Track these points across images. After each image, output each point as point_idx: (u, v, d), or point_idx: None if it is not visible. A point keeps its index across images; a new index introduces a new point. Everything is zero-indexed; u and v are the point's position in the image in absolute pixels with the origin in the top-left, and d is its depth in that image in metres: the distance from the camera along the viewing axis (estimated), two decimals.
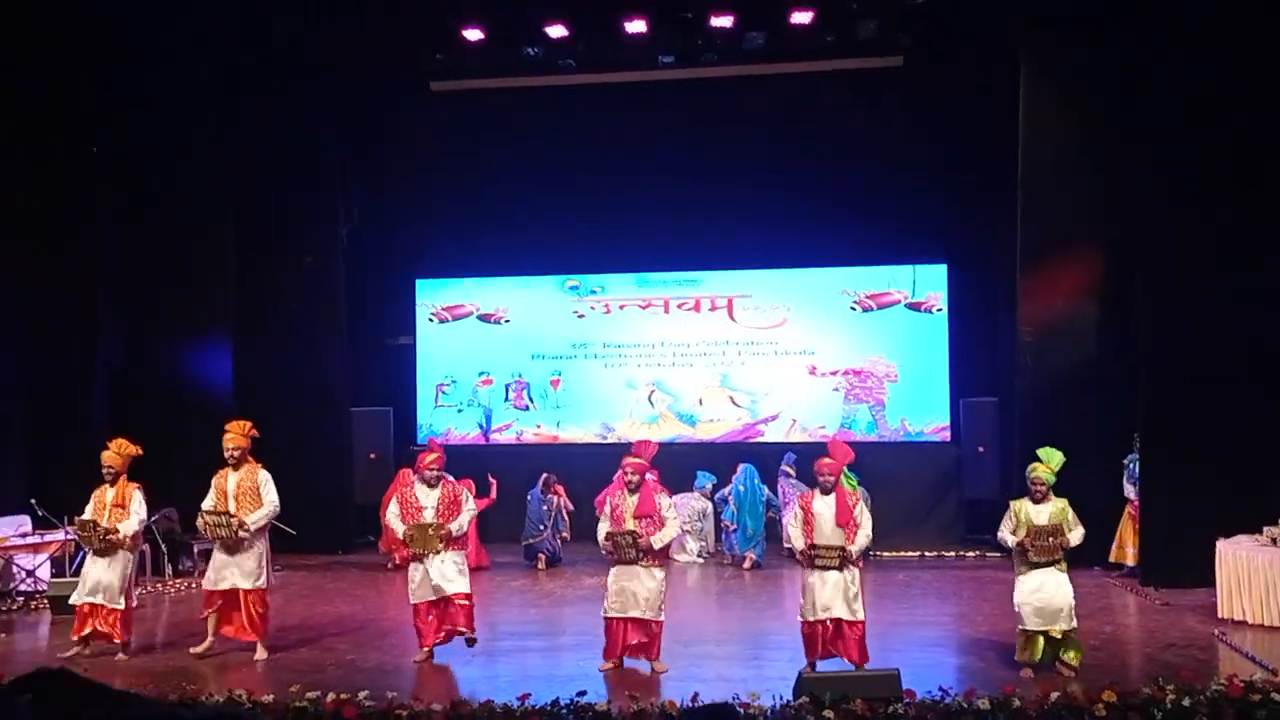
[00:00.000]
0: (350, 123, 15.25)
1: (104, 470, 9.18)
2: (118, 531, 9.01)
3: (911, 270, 15.78)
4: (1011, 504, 8.27)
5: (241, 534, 8.83)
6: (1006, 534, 8.19)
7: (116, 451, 9.24)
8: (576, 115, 15.14)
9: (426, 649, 8.71)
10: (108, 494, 9.14)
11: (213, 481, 9.09)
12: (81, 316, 13.14)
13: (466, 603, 8.71)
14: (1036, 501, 8.12)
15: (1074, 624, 8.04)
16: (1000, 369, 14.26)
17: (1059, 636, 8.02)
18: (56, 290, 12.97)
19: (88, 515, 9.13)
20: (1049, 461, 8.17)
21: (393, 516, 8.96)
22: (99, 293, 13.35)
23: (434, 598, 8.67)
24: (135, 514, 9.09)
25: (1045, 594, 8.00)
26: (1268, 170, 10.97)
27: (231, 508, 8.89)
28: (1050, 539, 7.99)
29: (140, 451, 9.39)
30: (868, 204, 14.97)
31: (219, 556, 8.99)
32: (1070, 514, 8.10)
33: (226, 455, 9.05)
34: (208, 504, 9.02)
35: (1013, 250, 13.05)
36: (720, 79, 14.49)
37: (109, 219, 13.47)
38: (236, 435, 9.10)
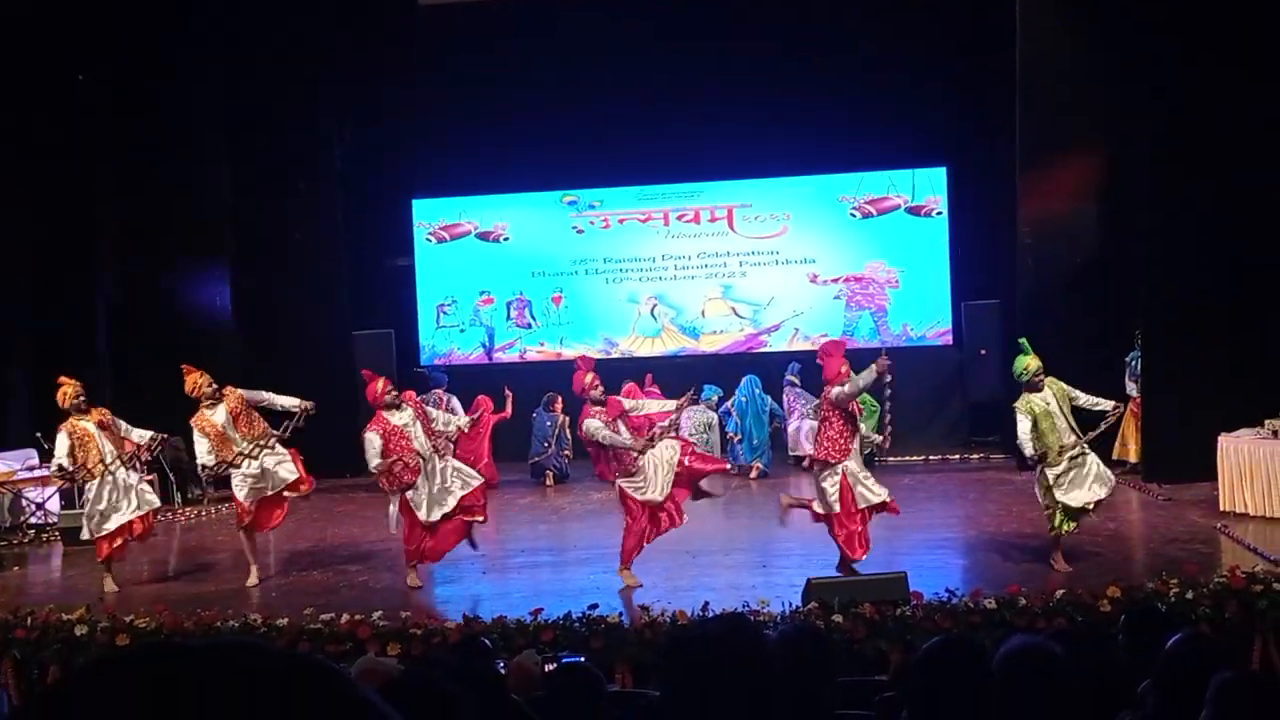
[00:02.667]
0: (339, 43, 14.97)
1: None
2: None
3: (911, 174, 15.63)
4: (1017, 405, 8.26)
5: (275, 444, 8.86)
6: (1025, 437, 8.19)
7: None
8: (569, 27, 14.83)
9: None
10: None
11: (197, 430, 8.87)
12: (80, 251, 13.09)
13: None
14: (1037, 390, 8.17)
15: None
16: (1001, 271, 14.18)
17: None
18: (54, 226, 12.90)
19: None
20: (1029, 354, 8.24)
21: (374, 452, 8.40)
22: (96, 227, 13.28)
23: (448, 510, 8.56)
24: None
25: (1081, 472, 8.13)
26: (1270, 68, 10.80)
27: (237, 436, 8.85)
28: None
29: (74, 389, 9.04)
30: (866, 108, 14.75)
31: (253, 471, 8.89)
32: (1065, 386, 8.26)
33: (200, 398, 8.85)
34: (208, 458, 8.89)
35: (1012, 151, 12.89)
36: None
37: (104, 153, 13.34)
38: (196, 378, 8.92)
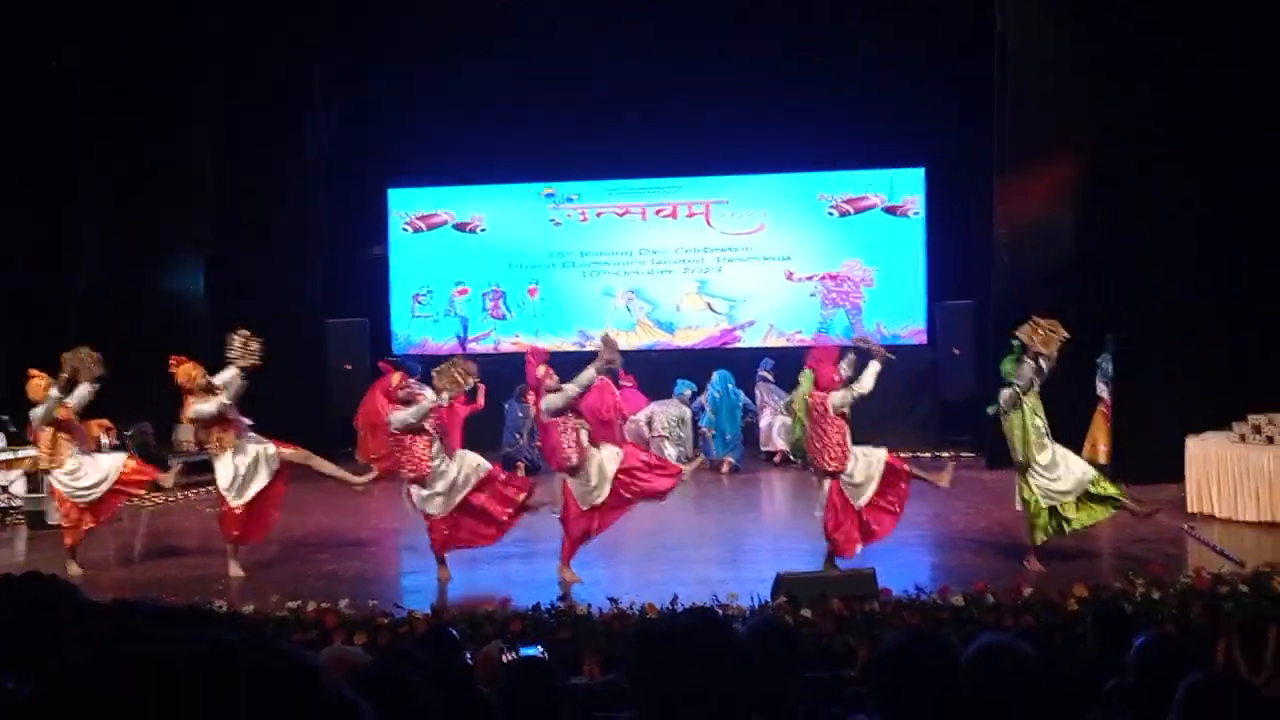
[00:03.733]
0: (319, 31, 14.84)
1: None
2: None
3: (889, 174, 15.68)
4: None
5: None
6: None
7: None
8: (552, 20, 14.77)
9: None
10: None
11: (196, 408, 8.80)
12: (53, 236, 12.95)
13: None
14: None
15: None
16: (976, 273, 14.24)
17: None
18: (32, 209, 12.74)
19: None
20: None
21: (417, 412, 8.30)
22: (69, 213, 13.14)
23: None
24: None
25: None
26: (1246, 71, 10.88)
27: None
28: None
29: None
30: (845, 107, 14.78)
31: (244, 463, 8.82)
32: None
33: (194, 389, 8.73)
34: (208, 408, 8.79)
35: (990, 154, 12.94)
36: None
37: (79, 140, 13.18)
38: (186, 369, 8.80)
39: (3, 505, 11.48)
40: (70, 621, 1.17)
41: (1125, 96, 11.50)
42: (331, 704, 0.80)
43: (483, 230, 16.37)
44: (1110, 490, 8.25)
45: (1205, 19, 10.92)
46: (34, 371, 8.86)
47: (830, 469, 8.10)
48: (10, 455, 11.65)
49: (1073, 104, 12.39)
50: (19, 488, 11.54)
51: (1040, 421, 8.21)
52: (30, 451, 11.41)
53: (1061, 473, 8.19)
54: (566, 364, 14.72)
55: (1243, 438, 9.85)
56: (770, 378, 13.72)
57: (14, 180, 12.62)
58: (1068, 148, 12.67)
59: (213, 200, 14.03)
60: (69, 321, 13.00)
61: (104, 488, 8.91)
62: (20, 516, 11.00)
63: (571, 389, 8.14)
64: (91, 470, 8.91)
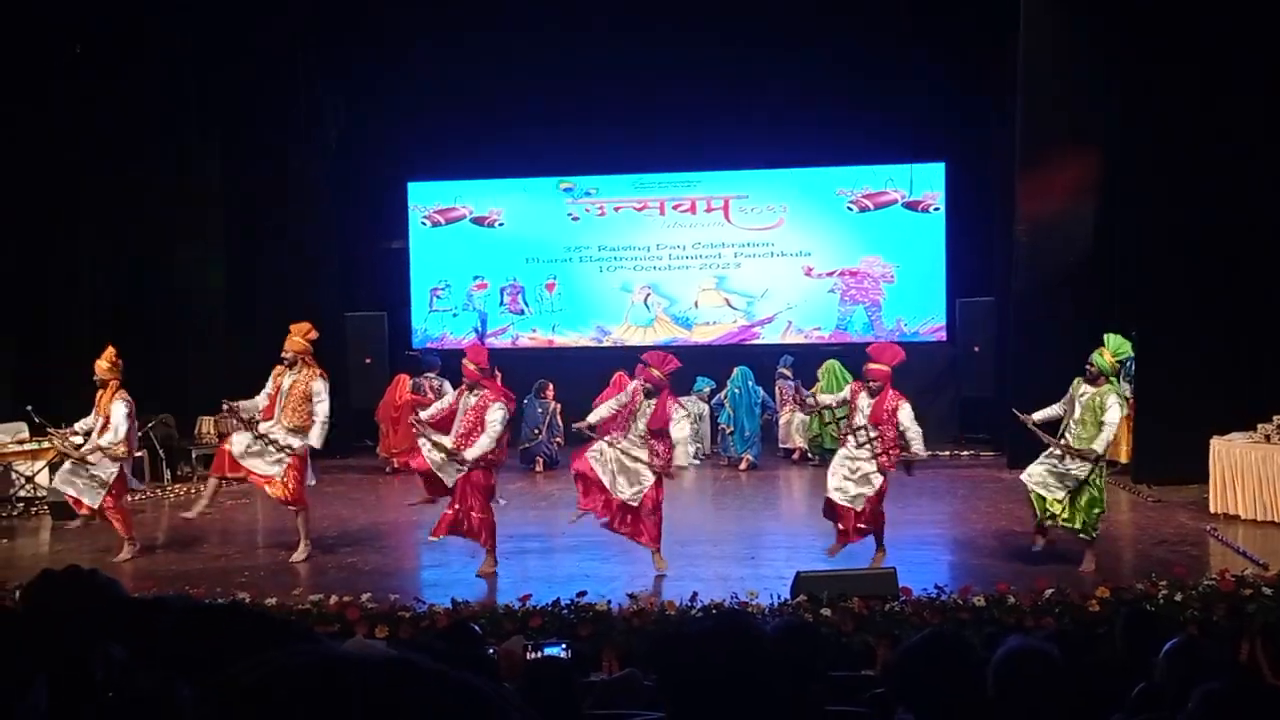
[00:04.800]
0: (335, 24, 14.87)
1: (95, 379, 9.15)
2: (78, 447, 9.02)
3: (909, 169, 15.62)
4: (1114, 394, 8.17)
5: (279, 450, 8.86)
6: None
7: (107, 360, 9.17)
8: (569, 12, 14.76)
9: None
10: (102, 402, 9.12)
11: (271, 374, 9.05)
12: (69, 226, 13.01)
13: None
14: (1089, 382, 8.12)
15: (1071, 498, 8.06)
16: (997, 268, 14.19)
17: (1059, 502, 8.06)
18: (42, 200, 12.79)
19: (85, 423, 9.12)
20: (1110, 347, 8.16)
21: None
22: (84, 205, 13.19)
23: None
24: (116, 426, 8.98)
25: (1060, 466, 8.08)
26: (1268, 63, 10.79)
27: (279, 406, 8.85)
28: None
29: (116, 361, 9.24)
30: (865, 102, 14.72)
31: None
32: (1109, 400, 8.01)
33: (283, 355, 8.97)
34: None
35: (1011, 149, 12.87)
36: None
37: (93, 131, 13.22)
38: (294, 337, 9.02)
39: (28, 495, 11.55)
40: (113, 617, 1.17)
41: (1145, 92, 11.43)
42: None
43: (501, 224, 16.38)
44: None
45: (1225, 12, 10.82)
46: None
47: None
48: (35, 446, 11.72)
49: (1092, 99, 12.33)
50: (43, 478, 11.62)
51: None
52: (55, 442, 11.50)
53: None
54: (583, 360, 14.87)
55: (1267, 438, 9.78)
56: (789, 374, 13.69)
57: (22, 173, 12.65)
58: (1088, 143, 12.60)
59: (227, 193, 14.07)
60: (87, 317, 13.07)
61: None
62: (45, 507, 11.07)
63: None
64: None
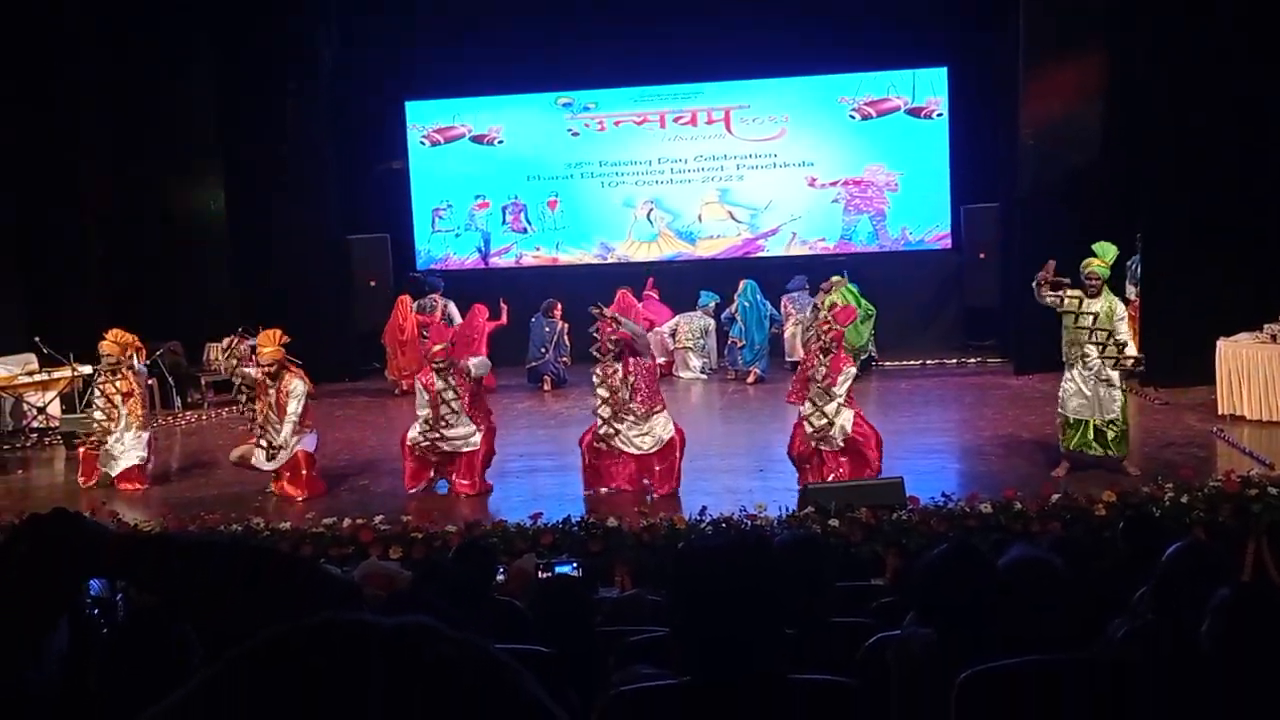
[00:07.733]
0: None
1: (104, 359, 9.12)
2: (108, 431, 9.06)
3: (911, 75, 15.37)
4: (1066, 292, 8.11)
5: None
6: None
7: (114, 341, 9.13)
8: None
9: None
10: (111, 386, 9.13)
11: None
12: (70, 159, 12.93)
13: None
14: (1091, 296, 8.00)
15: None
16: (1002, 174, 14.02)
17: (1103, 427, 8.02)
18: (43, 135, 12.69)
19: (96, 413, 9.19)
20: (1103, 255, 8.03)
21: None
22: (83, 135, 13.09)
23: None
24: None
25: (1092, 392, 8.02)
26: None
27: (272, 415, 8.57)
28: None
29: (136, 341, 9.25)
30: (866, 7, 14.42)
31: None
32: (1118, 309, 8.00)
33: (264, 368, 8.50)
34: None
35: (1015, 51, 12.65)
36: None
37: (88, 61, 13.06)
38: (267, 348, 8.51)
39: (41, 426, 11.65)
40: (101, 561, 1.19)
41: None
42: (531, 708, 0.80)
43: (500, 142, 16.21)
44: None
45: None
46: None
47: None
48: (45, 376, 11.78)
49: (1095, 5, 12.09)
50: (55, 408, 11.70)
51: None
52: (64, 373, 11.57)
53: None
54: (588, 277, 14.81)
55: (1274, 337, 9.76)
56: (804, 289, 13.67)
57: (21, 107, 12.53)
58: (1093, 45, 12.38)
59: (225, 118, 13.94)
60: (91, 246, 13.05)
61: None
62: (58, 436, 11.17)
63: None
64: None
